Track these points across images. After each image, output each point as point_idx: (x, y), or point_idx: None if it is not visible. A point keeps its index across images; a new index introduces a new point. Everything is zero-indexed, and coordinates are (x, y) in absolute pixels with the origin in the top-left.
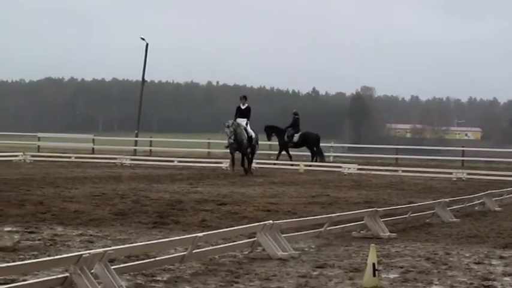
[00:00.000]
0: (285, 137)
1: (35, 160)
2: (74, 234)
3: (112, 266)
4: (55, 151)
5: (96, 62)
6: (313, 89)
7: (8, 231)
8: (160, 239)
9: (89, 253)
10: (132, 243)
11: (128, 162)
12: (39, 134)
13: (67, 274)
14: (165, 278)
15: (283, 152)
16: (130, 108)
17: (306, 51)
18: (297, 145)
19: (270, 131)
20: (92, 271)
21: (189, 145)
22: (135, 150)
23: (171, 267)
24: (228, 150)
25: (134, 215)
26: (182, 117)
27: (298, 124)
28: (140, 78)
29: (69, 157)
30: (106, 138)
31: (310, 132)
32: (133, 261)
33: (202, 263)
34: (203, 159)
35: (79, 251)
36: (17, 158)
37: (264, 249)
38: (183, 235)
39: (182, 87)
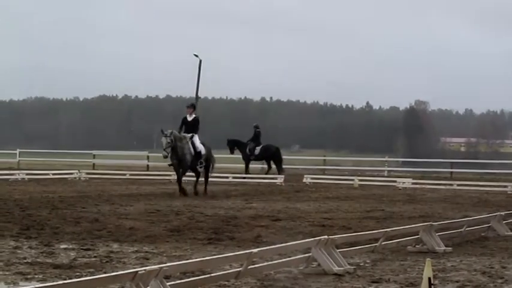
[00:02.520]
0: (247, 150)
1: (90, 177)
2: (129, 251)
3: (168, 282)
4: (110, 168)
5: (149, 79)
6: (367, 103)
7: (64, 249)
8: (215, 255)
9: (145, 270)
10: (187, 259)
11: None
12: (94, 152)
13: None
14: None
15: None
16: None
17: (359, 65)
18: (258, 158)
19: (233, 144)
20: (148, 287)
21: (242, 161)
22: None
23: (226, 283)
24: (173, 167)
25: (189, 231)
26: (236, 133)
27: (259, 137)
28: (194, 95)
29: (124, 174)
30: (160, 155)
31: (271, 144)
32: (188, 278)
33: (257, 278)
34: (257, 175)
35: (135, 268)
36: (72, 176)
37: (319, 265)
38: (238, 251)
39: (235, 103)
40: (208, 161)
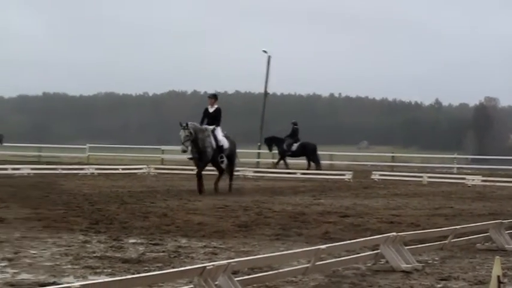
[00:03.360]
0: (284, 146)
1: (158, 173)
2: (197, 246)
3: (235, 277)
4: (178, 163)
5: (218, 75)
6: (436, 100)
7: (133, 243)
8: (283, 251)
9: (213, 265)
10: (255, 255)
11: (251, 174)
12: (163, 147)
13: (191, 286)
14: None
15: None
16: (253, 121)
17: (428, 63)
18: (295, 154)
19: (270, 142)
20: (216, 283)
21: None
22: (257, 162)
23: (294, 279)
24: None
25: (257, 227)
26: (304, 130)
27: (297, 134)
28: (263, 91)
29: (192, 169)
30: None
31: (309, 142)
32: (256, 273)
33: (325, 275)
34: (325, 172)
35: (203, 263)
36: (141, 171)
37: (387, 262)
38: (306, 247)
39: (304, 99)
40: (232, 156)
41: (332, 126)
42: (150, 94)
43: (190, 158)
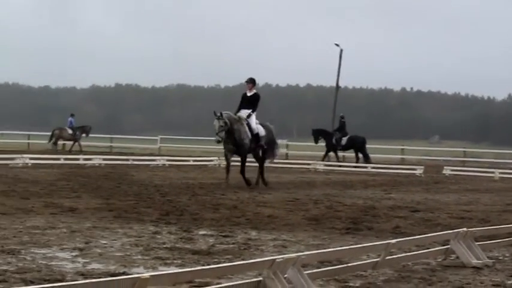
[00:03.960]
0: (333, 140)
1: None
2: (267, 238)
3: (305, 271)
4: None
5: (290, 68)
6: (509, 95)
7: (203, 235)
8: (353, 245)
9: (282, 258)
10: (325, 248)
11: (322, 167)
12: None
13: (260, 278)
14: (357, 284)
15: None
16: (324, 114)
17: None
18: (344, 148)
19: (317, 134)
20: (285, 276)
21: (382, 151)
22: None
23: (363, 273)
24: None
25: (327, 220)
26: (376, 124)
27: (344, 127)
28: (334, 84)
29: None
30: (300, 143)
31: (357, 135)
32: (326, 267)
33: (395, 269)
34: (397, 166)
35: (272, 256)
36: (212, 163)
37: (457, 257)
38: (376, 241)
39: (376, 93)
40: (270, 144)
41: (403, 121)
42: (222, 86)
43: (227, 150)
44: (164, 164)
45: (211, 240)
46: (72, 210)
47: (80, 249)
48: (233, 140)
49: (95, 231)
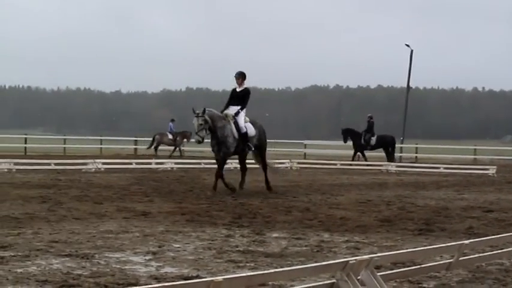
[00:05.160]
0: (362, 140)
1: (301, 167)
2: (340, 240)
3: (378, 272)
4: (321, 158)
5: (360, 69)
6: None
7: (276, 237)
8: (426, 246)
9: (355, 259)
10: (397, 250)
11: (394, 168)
12: (305, 141)
13: (334, 280)
14: (431, 285)
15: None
16: (395, 115)
17: None
18: (374, 147)
19: (346, 134)
20: (358, 278)
21: (454, 152)
22: (400, 157)
23: (437, 274)
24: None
25: (400, 221)
26: (447, 124)
27: (372, 128)
28: (405, 85)
29: (335, 164)
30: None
31: (386, 134)
32: (399, 268)
33: (468, 270)
34: (469, 166)
35: (345, 258)
36: (284, 165)
37: None
38: (449, 242)
39: (447, 93)
40: (262, 146)
41: (475, 120)
42: (293, 89)
43: (213, 151)
44: (236, 167)
45: (283, 243)
46: (145, 214)
47: (153, 253)
48: (216, 139)
49: (168, 235)
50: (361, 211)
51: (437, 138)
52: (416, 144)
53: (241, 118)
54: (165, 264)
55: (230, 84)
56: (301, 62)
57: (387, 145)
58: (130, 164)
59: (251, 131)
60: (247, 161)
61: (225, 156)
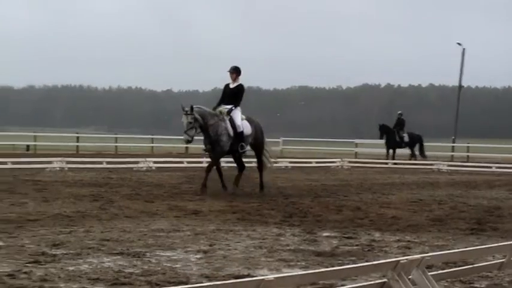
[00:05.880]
0: (397, 138)
1: (352, 166)
2: (391, 240)
3: (429, 272)
4: (371, 157)
5: (411, 68)
6: None
7: (326, 236)
8: (478, 245)
9: (407, 259)
10: (449, 249)
11: (445, 168)
12: (356, 140)
13: (385, 280)
14: (483, 285)
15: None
16: (447, 114)
17: None
18: (407, 144)
19: (384, 130)
20: (410, 277)
21: (507, 151)
22: (452, 156)
23: (488, 274)
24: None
25: (452, 221)
26: (500, 123)
27: (403, 125)
28: (457, 84)
29: (386, 163)
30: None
31: (413, 132)
32: (450, 268)
33: None
34: None
35: (396, 257)
36: (335, 164)
37: None
38: (501, 242)
39: (500, 92)
40: (258, 145)
41: None
42: (344, 87)
43: (204, 150)
44: (287, 166)
45: (334, 242)
46: (196, 213)
47: (204, 252)
48: (208, 138)
49: (219, 234)
50: (413, 210)
51: (489, 137)
52: (468, 143)
53: (238, 116)
54: (216, 263)
55: (280, 83)
56: (352, 61)
57: (416, 143)
58: (182, 162)
59: (247, 129)
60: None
61: (219, 156)
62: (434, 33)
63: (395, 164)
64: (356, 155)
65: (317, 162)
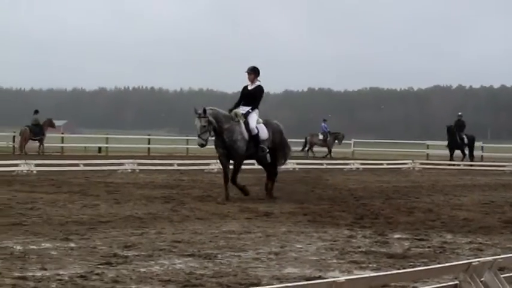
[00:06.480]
0: (458, 139)
1: (423, 168)
2: (463, 242)
3: (502, 274)
4: (443, 159)
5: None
6: None
7: (398, 238)
8: None
9: (479, 261)
10: None
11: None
12: (428, 142)
13: (456, 282)
14: None
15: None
16: None
17: None
18: (467, 146)
19: (449, 132)
20: (482, 279)
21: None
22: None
23: None
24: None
25: None
26: None
27: (462, 127)
28: None
29: (458, 164)
30: (494, 145)
31: (467, 134)
32: None
33: None
34: None
35: (468, 259)
36: (406, 166)
37: None
38: None
39: None
40: (277, 149)
41: None
42: (415, 89)
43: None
44: (358, 168)
45: (406, 244)
46: (267, 214)
47: (276, 254)
48: (223, 143)
49: (290, 236)
50: (485, 212)
51: None
52: None
53: (253, 118)
54: (287, 265)
55: (351, 85)
56: (423, 62)
57: (469, 144)
58: (253, 164)
59: (263, 133)
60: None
61: (238, 161)
62: (507, 33)
63: (470, 165)
64: (427, 156)
65: (388, 164)
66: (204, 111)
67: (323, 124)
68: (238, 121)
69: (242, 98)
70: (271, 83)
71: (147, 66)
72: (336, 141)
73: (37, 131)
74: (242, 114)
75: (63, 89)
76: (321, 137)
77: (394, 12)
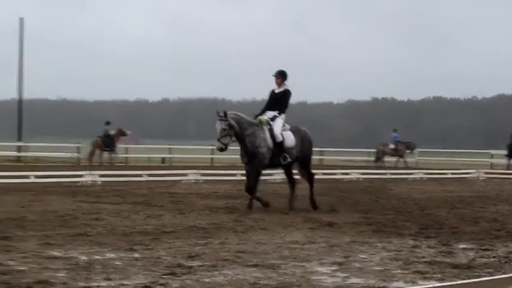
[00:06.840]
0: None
1: (488, 177)
2: None
3: None
4: (509, 168)
5: None
6: None
7: (463, 248)
8: None
9: None
10: None
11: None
12: (492, 151)
13: None
14: None
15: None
16: None
17: None
18: None
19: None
20: None
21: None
22: None
23: None
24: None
25: None
26: None
27: None
28: None
29: None
30: None
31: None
32: None
33: None
34: None
35: None
36: (471, 175)
37: None
38: None
39: None
40: (305, 157)
41: None
42: (479, 98)
43: (245, 162)
44: (422, 178)
45: (471, 254)
46: (331, 224)
47: (339, 264)
48: (245, 149)
49: (354, 246)
50: None
51: None
52: None
53: (278, 124)
54: (351, 275)
55: (415, 93)
56: (488, 71)
57: None
58: (316, 174)
59: (290, 140)
60: None
61: (257, 169)
62: None
63: None
64: (491, 165)
65: (452, 174)
66: (225, 114)
67: (393, 134)
68: (262, 128)
69: (269, 102)
70: (334, 91)
71: (209, 76)
72: (408, 150)
73: (108, 142)
74: (267, 121)
75: (126, 100)
76: (392, 146)
77: (455, 20)
